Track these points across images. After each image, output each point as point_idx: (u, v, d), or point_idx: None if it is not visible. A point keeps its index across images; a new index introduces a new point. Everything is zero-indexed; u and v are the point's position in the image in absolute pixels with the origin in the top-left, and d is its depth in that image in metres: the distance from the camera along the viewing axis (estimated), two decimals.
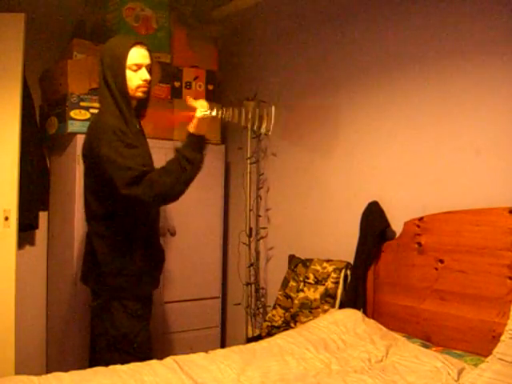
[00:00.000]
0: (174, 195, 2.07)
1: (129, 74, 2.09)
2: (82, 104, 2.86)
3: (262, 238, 3.38)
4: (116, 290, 2.16)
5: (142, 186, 1.97)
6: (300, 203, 3.13)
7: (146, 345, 2.21)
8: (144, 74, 2.11)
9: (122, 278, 2.15)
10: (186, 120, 2.14)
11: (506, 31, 2.13)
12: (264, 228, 3.36)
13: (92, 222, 2.22)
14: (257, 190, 3.39)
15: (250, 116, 2.15)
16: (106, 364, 1.92)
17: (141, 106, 2.25)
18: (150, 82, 2.16)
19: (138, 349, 2.16)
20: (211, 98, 3.36)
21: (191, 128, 2.09)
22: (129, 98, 2.11)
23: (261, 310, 3.31)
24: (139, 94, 2.14)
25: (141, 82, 2.11)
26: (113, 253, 2.16)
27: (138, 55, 2.10)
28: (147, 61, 2.14)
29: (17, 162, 2.69)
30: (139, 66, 2.10)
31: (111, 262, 2.15)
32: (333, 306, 2.60)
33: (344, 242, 2.73)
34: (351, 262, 2.63)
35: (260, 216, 3.39)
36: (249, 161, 3.31)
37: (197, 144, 2.08)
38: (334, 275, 2.64)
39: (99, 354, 2.23)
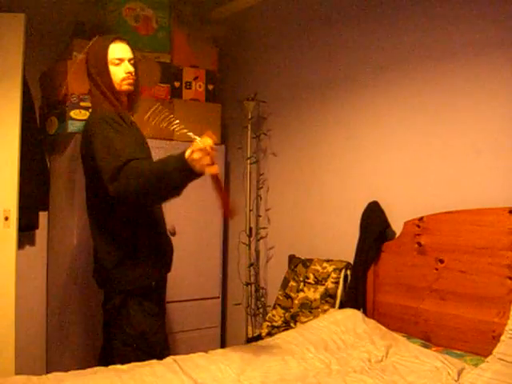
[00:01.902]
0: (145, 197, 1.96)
1: (112, 68, 2.16)
2: (81, 104, 2.86)
3: (261, 237, 3.38)
4: (123, 284, 2.14)
5: (121, 177, 1.89)
6: (300, 203, 3.13)
7: (162, 344, 2.21)
8: (127, 67, 2.17)
9: (123, 269, 2.13)
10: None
11: (506, 31, 2.14)
12: (264, 228, 3.36)
13: (92, 217, 2.23)
14: (257, 190, 3.39)
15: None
16: (122, 362, 1.92)
17: (132, 101, 2.28)
18: (135, 75, 2.21)
19: (154, 347, 2.15)
20: (211, 98, 3.38)
21: (187, 153, 1.77)
22: (117, 92, 2.17)
23: (261, 310, 3.31)
24: (125, 87, 2.19)
25: (125, 75, 2.17)
26: (112, 245, 2.15)
27: (118, 50, 2.18)
28: (128, 55, 2.20)
29: (17, 162, 2.69)
30: (121, 60, 2.17)
31: (111, 254, 2.15)
32: (333, 306, 2.60)
33: (344, 242, 2.74)
34: (351, 262, 2.63)
35: (260, 216, 3.39)
36: (249, 161, 3.31)
37: (182, 171, 1.79)
38: (333, 275, 2.64)
39: (115, 353, 2.19)
